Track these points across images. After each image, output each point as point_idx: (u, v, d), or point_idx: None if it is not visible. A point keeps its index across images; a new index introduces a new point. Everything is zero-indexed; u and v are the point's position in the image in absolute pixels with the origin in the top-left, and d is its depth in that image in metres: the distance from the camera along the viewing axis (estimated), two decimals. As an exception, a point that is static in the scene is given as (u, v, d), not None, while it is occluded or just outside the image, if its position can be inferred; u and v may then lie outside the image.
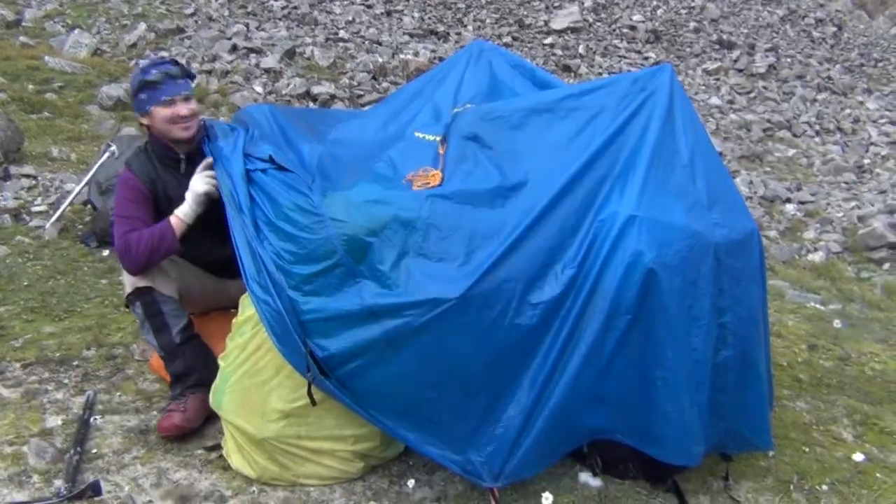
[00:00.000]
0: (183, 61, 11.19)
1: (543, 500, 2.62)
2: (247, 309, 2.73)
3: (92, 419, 3.02)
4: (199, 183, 2.94)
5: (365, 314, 2.43)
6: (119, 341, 3.80)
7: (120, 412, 3.12)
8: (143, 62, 3.02)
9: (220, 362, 2.83)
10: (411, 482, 2.72)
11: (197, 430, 2.97)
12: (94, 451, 2.81)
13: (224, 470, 2.74)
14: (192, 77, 3.12)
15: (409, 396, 2.51)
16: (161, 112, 2.96)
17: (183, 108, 2.96)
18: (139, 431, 2.97)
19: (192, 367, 3.02)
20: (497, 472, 2.49)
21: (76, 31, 12.32)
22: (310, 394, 2.51)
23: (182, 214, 2.94)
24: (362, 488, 2.70)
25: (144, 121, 3.04)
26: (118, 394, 3.28)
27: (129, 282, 2.95)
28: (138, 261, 2.88)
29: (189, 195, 2.95)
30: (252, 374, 2.69)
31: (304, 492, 2.66)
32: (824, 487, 2.91)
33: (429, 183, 2.68)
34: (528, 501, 2.65)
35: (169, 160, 3.09)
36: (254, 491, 2.64)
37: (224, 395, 2.74)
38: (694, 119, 2.92)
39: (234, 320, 2.84)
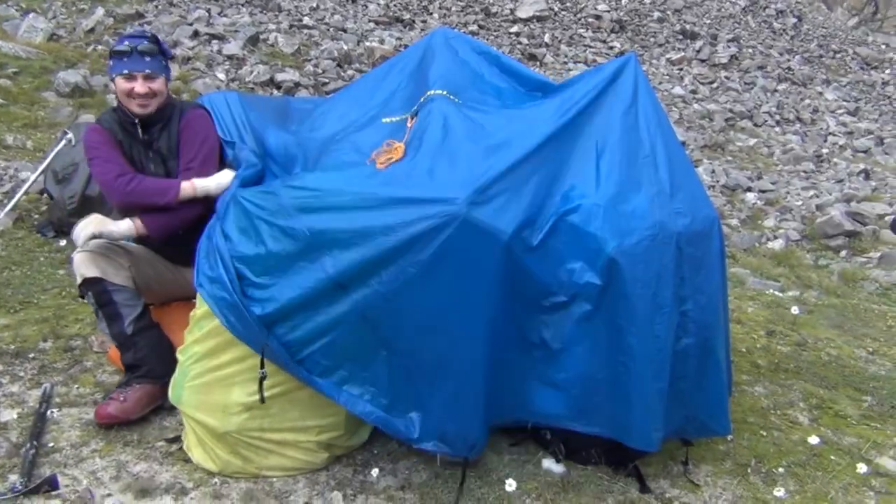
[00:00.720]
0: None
1: (507, 486, 2.64)
2: (203, 304, 2.69)
3: (49, 412, 2.96)
4: (226, 180, 2.94)
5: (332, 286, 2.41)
6: (77, 332, 3.72)
7: (78, 405, 3.06)
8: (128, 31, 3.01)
9: (179, 356, 2.78)
10: (375, 471, 2.72)
11: (150, 421, 2.95)
12: (51, 444, 2.76)
13: (185, 462, 2.71)
14: (166, 56, 3.11)
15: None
16: (120, 84, 3.01)
17: (141, 87, 2.98)
18: (98, 424, 2.91)
19: (143, 358, 2.98)
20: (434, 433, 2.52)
21: (31, 15, 11.97)
22: (260, 390, 2.53)
23: (200, 186, 2.96)
24: (326, 478, 2.70)
25: (112, 86, 3.10)
26: (76, 386, 3.22)
27: (78, 272, 2.91)
28: (130, 201, 2.94)
29: (213, 183, 2.96)
30: (213, 368, 2.65)
31: (268, 483, 2.64)
32: (781, 470, 2.98)
33: (392, 157, 2.67)
34: (491, 488, 2.67)
35: (128, 123, 3.11)
36: (215, 483, 2.61)
37: (183, 390, 2.70)
38: (657, 109, 2.95)
39: (191, 313, 2.79)
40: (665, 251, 2.57)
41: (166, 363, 2.91)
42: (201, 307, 2.66)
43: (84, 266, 2.89)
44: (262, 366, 2.49)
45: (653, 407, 2.58)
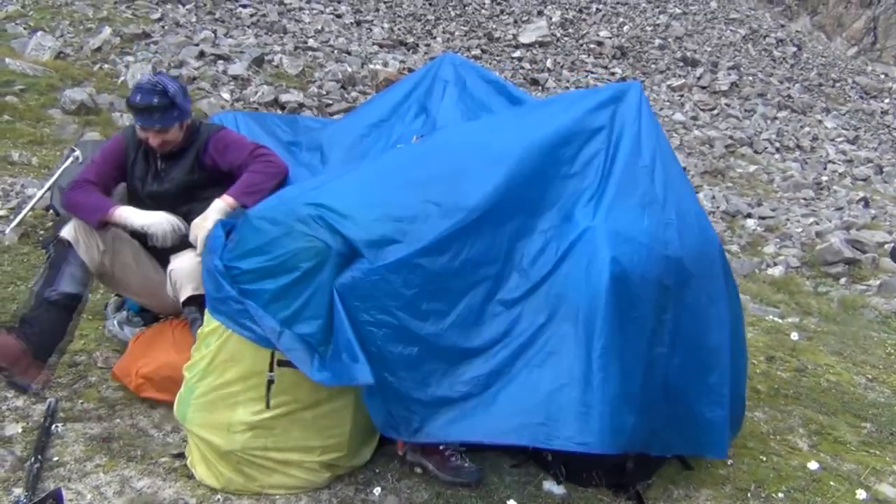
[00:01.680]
0: (149, 67, 11.08)
1: (508, 507, 2.64)
2: (212, 321, 2.72)
3: (53, 427, 2.97)
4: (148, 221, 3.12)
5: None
6: (81, 348, 3.74)
7: (82, 420, 3.08)
8: (142, 78, 3.15)
9: (185, 373, 2.80)
10: (377, 490, 2.73)
11: (153, 437, 2.98)
12: (56, 459, 2.76)
13: (188, 478, 2.72)
14: (177, 108, 3.17)
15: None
16: (138, 131, 3.22)
17: (154, 139, 3.17)
18: (102, 439, 2.92)
19: (36, 323, 3.05)
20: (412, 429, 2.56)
21: (39, 33, 12.11)
22: (267, 394, 2.58)
23: (126, 215, 3.11)
24: (328, 496, 2.71)
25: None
26: (80, 401, 3.24)
27: (61, 229, 3.08)
28: (67, 205, 3.17)
29: (139, 221, 3.12)
30: (218, 386, 2.67)
31: (270, 501, 2.65)
32: (780, 495, 2.99)
33: None
34: (492, 509, 2.68)
35: (151, 152, 3.28)
36: (218, 499, 2.62)
37: (189, 407, 2.72)
38: (659, 136, 3.01)
39: (199, 331, 2.82)
40: (662, 268, 2.62)
41: (47, 342, 3.06)
42: (209, 325, 2.69)
43: (68, 228, 3.07)
44: (272, 368, 2.54)
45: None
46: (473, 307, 2.58)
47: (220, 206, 3.05)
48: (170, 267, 3.15)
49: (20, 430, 2.94)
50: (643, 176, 2.82)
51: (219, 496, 2.64)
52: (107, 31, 12.57)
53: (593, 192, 2.77)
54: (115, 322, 3.70)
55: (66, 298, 3.06)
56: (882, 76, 25.98)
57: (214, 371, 2.68)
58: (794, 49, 25.19)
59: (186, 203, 3.23)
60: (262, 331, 2.45)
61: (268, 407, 2.59)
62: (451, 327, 2.54)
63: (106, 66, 11.46)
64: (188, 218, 3.12)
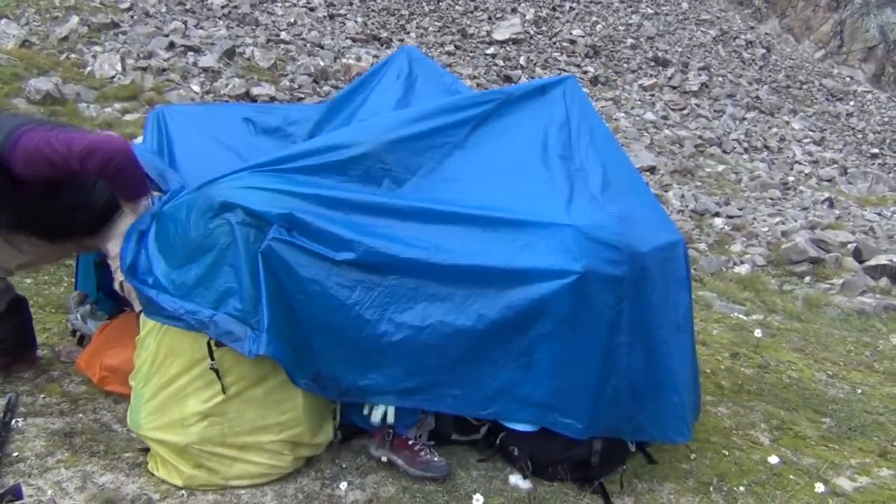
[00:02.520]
0: (117, 58, 10.91)
1: (474, 501, 2.66)
2: (147, 322, 2.71)
3: (13, 422, 2.92)
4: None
5: None
6: (44, 342, 3.68)
7: (44, 414, 3.03)
8: None
9: (131, 382, 2.78)
10: (343, 485, 2.73)
11: (117, 433, 2.96)
12: (16, 454, 2.72)
13: (151, 474, 2.69)
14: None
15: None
16: None
17: None
18: (63, 434, 2.88)
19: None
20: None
21: (2, 20, 11.86)
22: (220, 380, 2.59)
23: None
24: (294, 491, 2.70)
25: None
26: (42, 396, 3.19)
27: None
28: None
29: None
30: (164, 384, 2.66)
31: (235, 495, 2.64)
32: (741, 489, 3.04)
33: None
34: (459, 503, 2.69)
35: None
36: (182, 495, 2.60)
37: (140, 414, 2.70)
38: (596, 126, 3.12)
39: (136, 338, 2.78)
40: (616, 265, 2.67)
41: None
42: (144, 328, 2.71)
43: None
44: (212, 356, 2.56)
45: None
46: None
47: (127, 220, 2.99)
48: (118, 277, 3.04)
49: (-21, 425, 2.89)
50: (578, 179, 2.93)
51: (183, 492, 2.61)
52: (74, 19, 12.35)
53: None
54: (79, 316, 3.66)
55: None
56: (847, 79, 26.46)
57: (158, 371, 2.67)
58: (763, 51, 25.54)
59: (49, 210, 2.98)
60: (195, 323, 2.53)
61: (224, 392, 2.59)
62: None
63: (73, 55, 11.26)
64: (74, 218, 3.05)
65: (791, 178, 15.25)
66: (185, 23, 13.94)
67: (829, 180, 15.79)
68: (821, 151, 18.37)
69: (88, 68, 10.83)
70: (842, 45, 28.90)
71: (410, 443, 2.87)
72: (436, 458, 2.85)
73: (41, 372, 3.40)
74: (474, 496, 2.68)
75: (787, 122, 20.25)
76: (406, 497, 2.70)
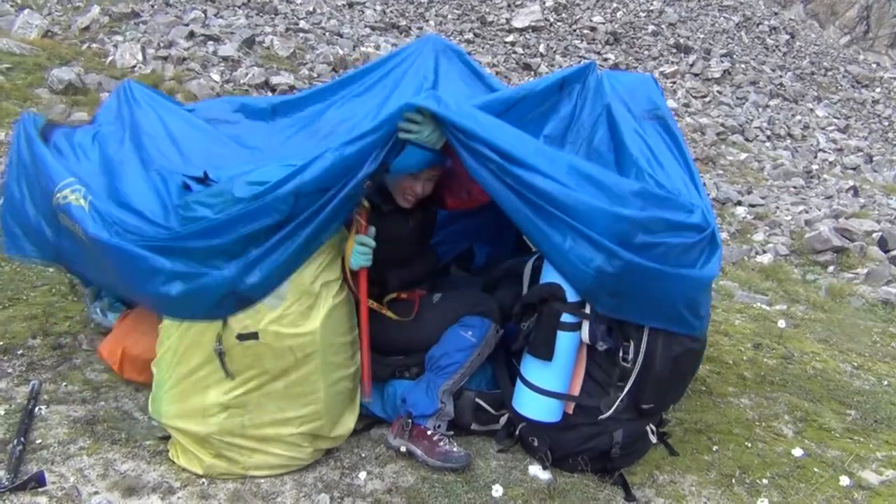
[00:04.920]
0: (138, 47, 10.97)
1: (494, 491, 2.65)
2: None
3: (37, 409, 2.95)
4: None
5: None
6: (66, 330, 3.72)
7: (66, 402, 3.06)
8: None
9: (153, 369, 2.77)
10: (363, 474, 2.73)
11: (138, 420, 2.96)
12: (39, 441, 2.75)
13: (172, 462, 2.71)
14: None
15: None
16: None
17: None
18: (86, 422, 2.91)
19: None
20: None
21: (26, 11, 11.95)
22: (223, 365, 2.57)
23: None
24: (313, 480, 2.70)
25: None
26: (64, 383, 3.22)
27: None
28: None
29: None
30: (186, 374, 2.65)
31: (255, 484, 2.64)
32: (765, 481, 3.00)
33: None
34: (478, 493, 2.68)
35: None
36: (203, 482, 2.61)
37: (162, 402, 2.69)
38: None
39: (159, 326, 2.77)
40: None
41: None
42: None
43: None
44: (220, 342, 2.53)
45: None
46: None
47: None
48: None
49: (2, 413, 2.92)
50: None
51: (203, 480, 2.63)
52: (95, 9, 12.42)
53: None
54: (97, 310, 3.66)
55: None
56: (874, 65, 26.02)
57: (180, 361, 2.65)
58: (787, 37, 25.17)
59: None
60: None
61: (228, 375, 2.58)
62: None
63: (94, 45, 11.33)
64: None
65: (815, 167, 15.05)
66: (204, 12, 13.98)
67: (854, 168, 15.56)
68: (845, 139, 18.10)
69: (110, 58, 10.89)
70: (868, 31, 28.40)
71: (429, 433, 2.86)
72: (455, 449, 2.84)
73: (64, 360, 3.43)
74: (493, 487, 2.67)
75: (811, 110, 19.97)
76: (425, 487, 2.70)
